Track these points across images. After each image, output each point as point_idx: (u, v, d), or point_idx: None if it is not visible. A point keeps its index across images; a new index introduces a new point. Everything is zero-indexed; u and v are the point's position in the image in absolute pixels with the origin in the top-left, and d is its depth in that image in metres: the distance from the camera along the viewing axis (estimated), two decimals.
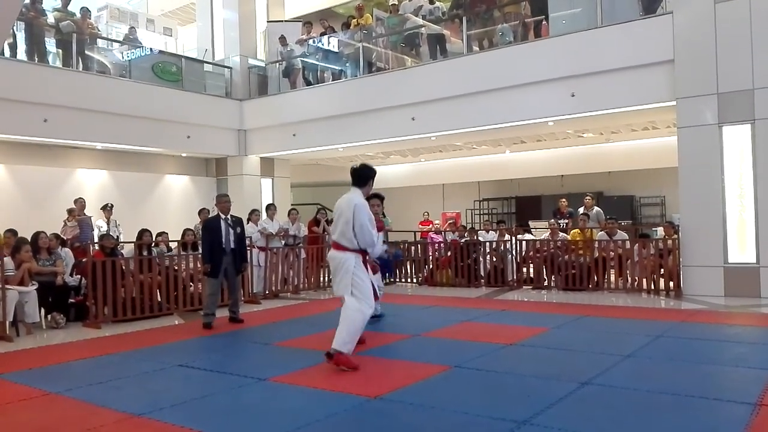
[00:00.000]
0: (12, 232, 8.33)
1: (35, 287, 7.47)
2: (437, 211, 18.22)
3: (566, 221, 11.46)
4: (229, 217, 7.85)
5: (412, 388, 4.57)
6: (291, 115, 13.80)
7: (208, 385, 4.88)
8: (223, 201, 7.94)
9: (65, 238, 10.26)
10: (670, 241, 9.43)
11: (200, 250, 8.42)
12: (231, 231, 7.79)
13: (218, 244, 7.65)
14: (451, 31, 12.44)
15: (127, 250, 9.47)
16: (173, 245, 9.68)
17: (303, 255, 11.18)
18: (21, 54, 11.43)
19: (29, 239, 8.06)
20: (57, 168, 12.46)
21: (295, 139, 13.94)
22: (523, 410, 3.92)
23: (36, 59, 11.52)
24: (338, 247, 5.31)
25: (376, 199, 7.18)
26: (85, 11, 12.64)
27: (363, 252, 5.32)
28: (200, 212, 11.31)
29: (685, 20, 9.19)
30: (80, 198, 11.04)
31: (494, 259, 11.16)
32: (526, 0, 11.66)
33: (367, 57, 13.25)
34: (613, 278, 10.07)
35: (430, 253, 12.13)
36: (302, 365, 5.36)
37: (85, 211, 10.94)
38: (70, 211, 10.66)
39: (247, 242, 10.22)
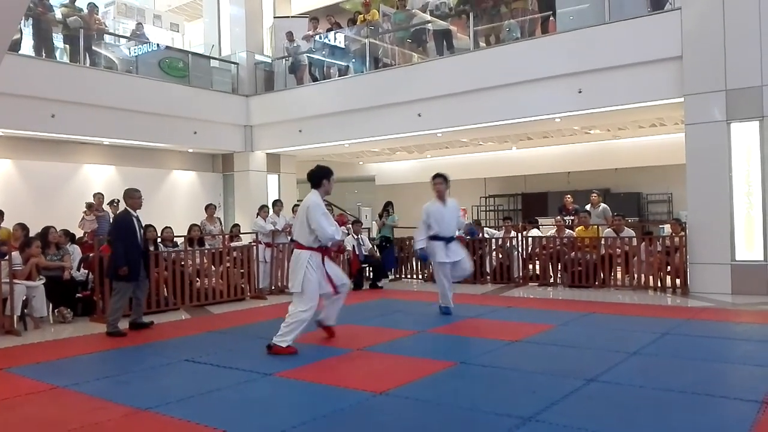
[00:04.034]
0: (21, 227, 8.38)
1: (43, 282, 7.51)
2: None
3: (572, 218, 11.44)
4: (138, 214, 7.25)
5: (417, 384, 4.58)
6: (297, 111, 13.80)
7: (214, 380, 4.89)
8: (136, 196, 7.24)
9: (84, 231, 10.31)
10: (677, 239, 9.39)
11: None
12: (141, 229, 7.30)
13: (135, 245, 7.04)
14: (458, 26, 12.40)
15: None
16: (179, 240, 9.72)
17: None
18: (28, 49, 11.46)
19: (37, 234, 8.11)
20: (64, 163, 12.50)
21: (301, 135, 13.94)
22: (529, 407, 3.91)
23: (44, 55, 11.56)
24: (297, 245, 5.77)
25: (439, 177, 7.56)
26: (93, 7, 12.67)
27: (322, 249, 5.71)
28: (207, 208, 11.35)
29: (693, 16, 9.13)
30: (99, 193, 11.11)
31: (500, 256, 11.14)
32: None
33: (373, 53, 13.23)
34: (619, 275, 10.04)
35: None
36: (308, 360, 5.37)
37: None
38: (89, 206, 10.71)
39: (253, 238, 10.36)
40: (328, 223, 5.67)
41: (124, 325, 7.09)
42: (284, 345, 5.52)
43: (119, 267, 6.87)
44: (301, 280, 5.59)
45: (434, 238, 7.42)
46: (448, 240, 7.43)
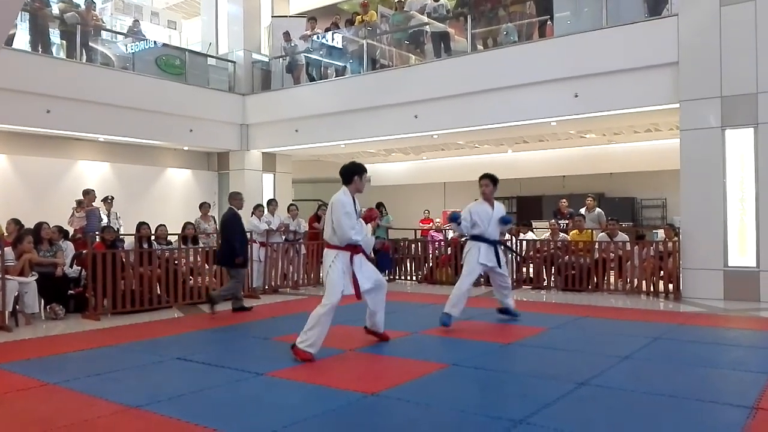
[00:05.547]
0: (15, 222, 8.34)
1: (35, 278, 7.48)
2: (439, 209, 18.22)
3: (566, 222, 11.46)
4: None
5: (409, 385, 4.58)
6: (293, 111, 13.80)
7: (205, 378, 4.88)
8: (239, 198, 8.63)
9: (73, 228, 10.26)
10: (670, 244, 9.43)
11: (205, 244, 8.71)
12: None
13: (246, 239, 8.71)
14: (456, 29, 12.43)
15: (128, 242, 9.49)
16: (173, 239, 9.70)
17: (303, 251, 11.18)
18: (25, 44, 11.43)
19: (28, 230, 8.07)
20: (59, 159, 12.48)
21: (297, 135, 13.94)
22: (520, 409, 3.92)
23: (40, 50, 11.52)
24: (326, 244, 5.59)
25: (486, 179, 7.04)
26: (90, 3, 12.66)
27: (350, 248, 5.45)
28: (201, 206, 11.33)
29: (690, 23, 9.17)
30: (91, 189, 11.08)
31: None
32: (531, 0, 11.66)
33: (370, 54, 13.24)
34: (612, 280, 10.07)
35: (430, 252, 12.13)
36: (300, 361, 5.36)
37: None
38: (78, 202, 10.66)
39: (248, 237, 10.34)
40: (349, 224, 5.35)
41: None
42: (303, 347, 5.25)
43: (237, 257, 8.10)
44: (324, 277, 5.48)
45: (476, 238, 7.00)
46: (490, 243, 6.98)
